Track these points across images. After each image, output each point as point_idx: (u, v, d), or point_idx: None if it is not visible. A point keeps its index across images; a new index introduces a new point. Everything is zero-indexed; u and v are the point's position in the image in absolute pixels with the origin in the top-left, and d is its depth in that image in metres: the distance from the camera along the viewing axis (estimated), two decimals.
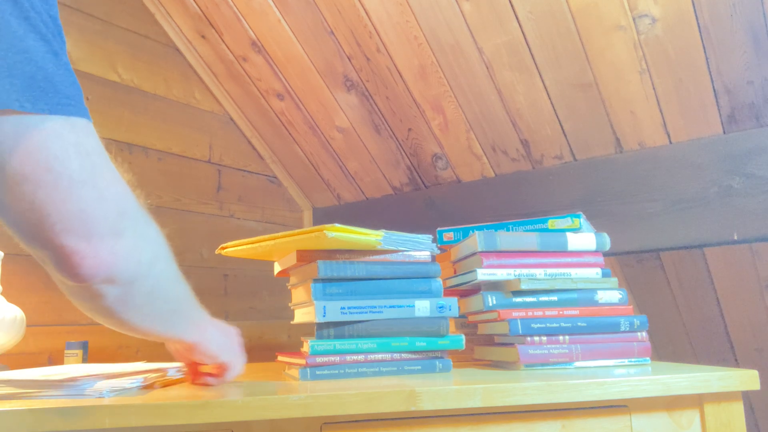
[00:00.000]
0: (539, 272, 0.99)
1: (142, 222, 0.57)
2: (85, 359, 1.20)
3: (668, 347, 1.63)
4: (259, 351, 1.73)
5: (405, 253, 0.94)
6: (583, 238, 1.02)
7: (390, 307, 0.90)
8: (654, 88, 1.32)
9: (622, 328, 0.96)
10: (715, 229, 1.31)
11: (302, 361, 0.87)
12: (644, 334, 0.97)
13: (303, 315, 0.95)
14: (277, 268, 1.05)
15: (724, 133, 1.31)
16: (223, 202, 1.76)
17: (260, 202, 1.88)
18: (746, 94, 1.25)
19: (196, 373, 0.87)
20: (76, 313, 1.33)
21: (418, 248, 0.94)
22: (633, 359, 0.95)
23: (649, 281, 1.54)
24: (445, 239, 1.10)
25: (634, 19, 1.24)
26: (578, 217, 1.04)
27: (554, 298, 0.97)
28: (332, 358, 0.87)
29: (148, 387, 0.81)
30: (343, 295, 0.89)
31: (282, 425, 0.71)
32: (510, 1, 1.31)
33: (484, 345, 1.04)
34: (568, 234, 1.02)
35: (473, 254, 1.00)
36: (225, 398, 0.68)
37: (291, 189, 1.99)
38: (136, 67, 1.58)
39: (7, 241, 0.54)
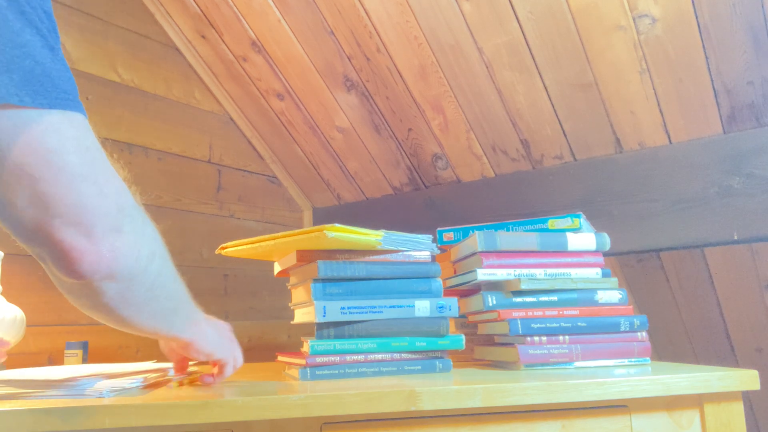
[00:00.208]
0: (539, 272, 0.99)
1: (139, 219, 0.57)
2: (85, 359, 1.20)
3: (668, 347, 1.63)
4: (259, 351, 1.73)
5: (405, 253, 0.94)
6: (583, 238, 1.02)
7: (390, 307, 0.90)
8: (654, 88, 1.32)
9: (622, 328, 0.96)
10: (715, 229, 1.31)
11: (302, 361, 0.87)
12: (644, 334, 0.97)
13: (303, 315, 0.95)
14: (277, 268, 1.05)
15: (724, 133, 1.31)
16: (223, 202, 1.76)
17: (260, 202, 1.88)
18: (746, 94, 1.25)
19: (183, 371, 0.88)
20: (76, 313, 1.34)
21: (418, 248, 0.94)
22: (633, 359, 0.95)
23: (649, 281, 1.54)
24: (445, 239, 1.10)
25: (634, 19, 1.24)
26: (578, 217, 1.04)
27: (554, 298, 0.97)
28: (332, 358, 0.87)
29: (175, 383, 0.82)
30: (343, 295, 0.89)
31: (282, 425, 0.71)
32: (510, 1, 1.31)
33: (484, 345, 1.04)
34: (568, 234, 1.02)
35: (473, 254, 1.01)
36: (225, 398, 0.68)
37: (291, 189, 1.99)
38: (136, 67, 1.58)
39: (7, 241, 0.54)
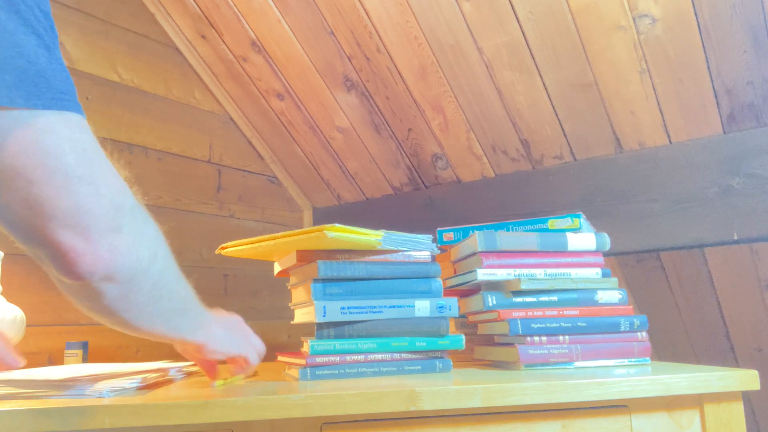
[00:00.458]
0: (539, 272, 0.99)
1: (140, 219, 0.56)
2: (85, 359, 1.20)
3: (668, 347, 1.63)
4: None
5: (405, 253, 0.94)
6: (583, 238, 1.02)
7: (390, 307, 0.90)
8: (654, 88, 1.32)
9: (622, 328, 0.96)
10: (715, 229, 1.31)
11: (302, 361, 0.87)
12: (644, 334, 0.97)
13: (303, 315, 0.95)
14: (277, 268, 1.05)
15: (724, 133, 1.31)
16: (223, 202, 1.76)
17: (260, 202, 1.88)
18: (746, 94, 1.25)
19: (211, 370, 0.85)
20: (76, 313, 1.34)
21: (418, 248, 0.94)
22: (633, 359, 0.95)
23: (649, 281, 1.54)
24: (445, 239, 1.10)
25: (634, 19, 1.24)
26: (578, 217, 1.04)
27: (554, 298, 0.97)
28: (332, 358, 0.87)
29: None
30: (343, 295, 0.89)
31: (282, 425, 0.71)
32: (510, 1, 1.31)
33: (484, 345, 1.04)
34: (568, 234, 1.02)
35: (473, 254, 1.00)
36: (225, 398, 0.68)
37: (291, 189, 1.99)
38: (136, 67, 1.58)
39: (7, 241, 0.53)
